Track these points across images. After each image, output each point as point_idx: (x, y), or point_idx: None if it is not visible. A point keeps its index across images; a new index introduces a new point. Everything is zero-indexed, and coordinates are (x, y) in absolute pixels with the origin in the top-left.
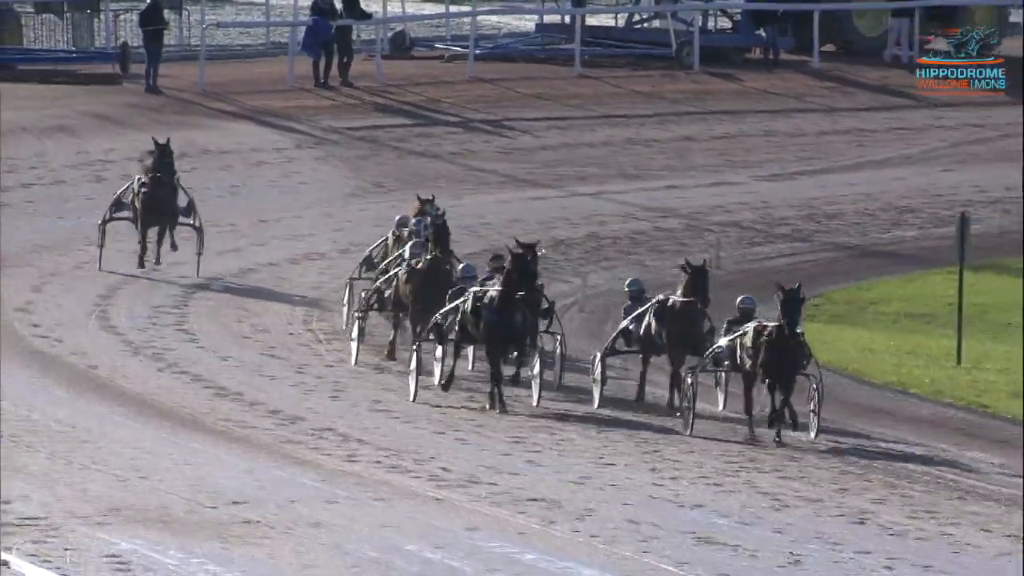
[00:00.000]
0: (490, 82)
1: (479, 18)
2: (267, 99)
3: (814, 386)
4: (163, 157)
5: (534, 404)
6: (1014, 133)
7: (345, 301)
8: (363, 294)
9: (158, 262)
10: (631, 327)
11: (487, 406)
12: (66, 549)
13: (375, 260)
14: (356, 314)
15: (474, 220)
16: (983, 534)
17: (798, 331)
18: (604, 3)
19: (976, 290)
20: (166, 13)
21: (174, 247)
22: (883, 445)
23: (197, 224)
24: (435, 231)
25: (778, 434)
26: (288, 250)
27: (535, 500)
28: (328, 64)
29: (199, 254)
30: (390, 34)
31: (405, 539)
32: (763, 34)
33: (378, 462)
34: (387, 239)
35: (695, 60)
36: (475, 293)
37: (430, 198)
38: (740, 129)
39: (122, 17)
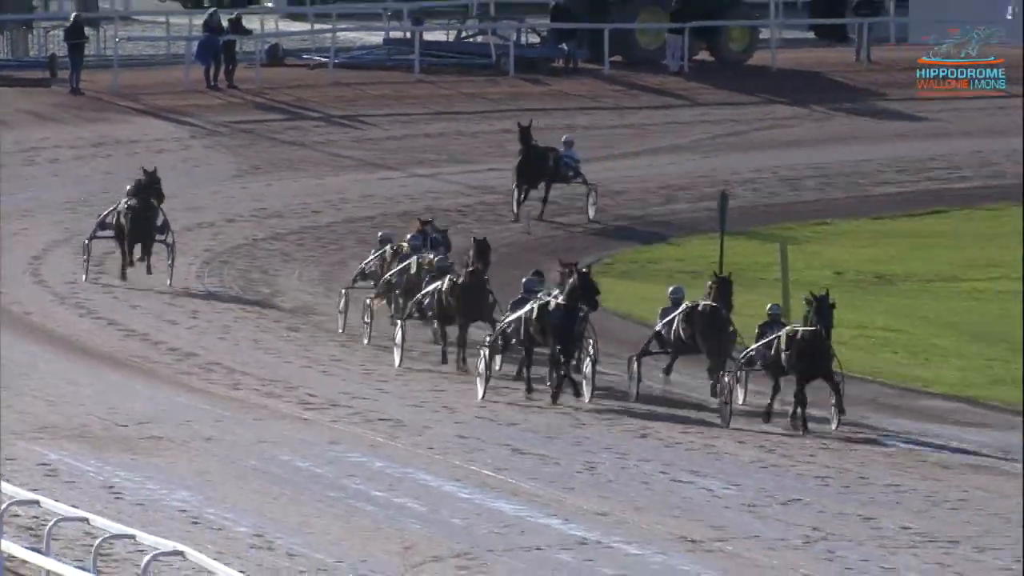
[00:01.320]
0: (347, 85)
1: (338, 34)
2: (167, 99)
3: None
4: (151, 183)
5: (586, 400)
6: (762, 127)
7: (341, 308)
8: (366, 301)
9: (149, 272)
10: (663, 331)
11: (527, 394)
12: (7, 459)
13: (367, 271)
14: (397, 320)
15: (334, 196)
16: (739, 445)
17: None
18: (438, 22)
19: (732, 252)
20: (87, 29)
21: (149, 271)
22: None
23: (170, 241)
24: (477, 248)
25: (838, 418)
26: (186, 220)
27: (383, 419)
28: (216, 71)
29: (171, 265)
30: (266, 47)
31: (279, 451)
32: (565, 47)
33: (257, 390)
34: (384, 253)
35: (511, 68)
36: (539, 303)
37: (430, 219)
38: (547, 123)
39: (51, 32)
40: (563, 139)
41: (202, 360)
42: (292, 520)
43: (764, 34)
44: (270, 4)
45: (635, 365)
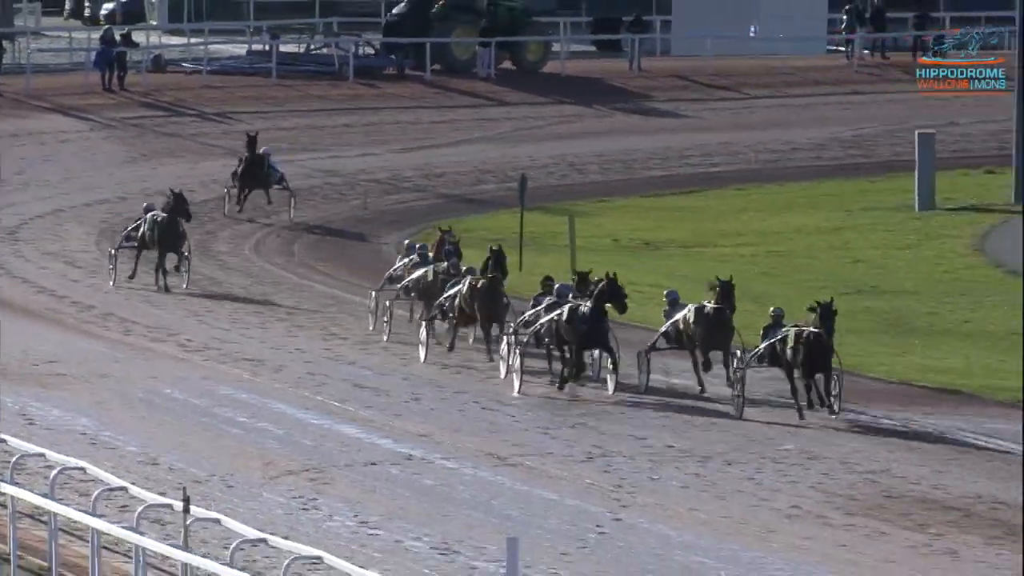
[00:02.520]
0: (217, 88)
1: (209, 46)
2: (71, 99)
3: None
4: (180, 203)
5: (610, 393)
6: (554, 123)
7: (372, 309)
8: (386, 303)
9: (177, 270)
10: (670, 329)
11: (559, 387)
12: None
13: (393, 276)
14: (422, 320)
15: (206, 178)
16: (537, 382)
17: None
18: (291, 36)
19: (530, 223)
20: (4, 42)
21: (166, 287)
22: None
23: (186, 253)
24: (495, 257)
25: (832, 410)
26: (86, 198)
27: (247, 359)
28: (111, 76)
29: (187, 273)
30: (151, 57)
31: (163, 385)
32: (394, 57)
33: (144, 335)
34: (406, 263)
35: (351, 74)
36: (570, 307)
37: (448, 228)
38: (380, 119)
39: None
40: (262, 150)
41: (99, 311)
42: (172, 441)
43: (555, 47)
44: (154, 22)
45: (645, 360)
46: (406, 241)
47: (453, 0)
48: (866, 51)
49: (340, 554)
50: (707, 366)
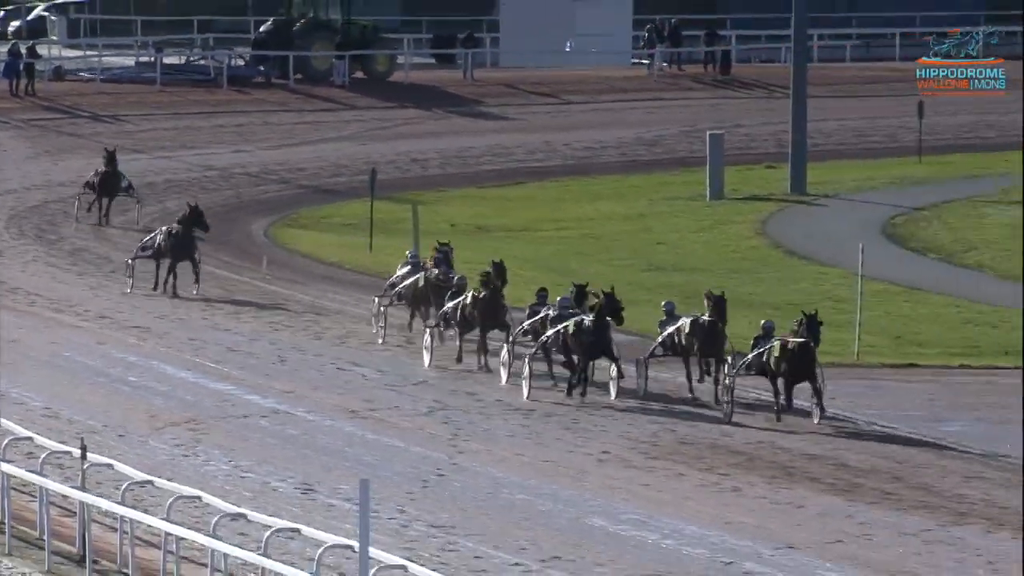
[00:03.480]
0: (109, 94)
1: (103, 58)
2: None
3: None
4: (197, 216)
5: (612, 398)
6: (400, 124)
7: (375, 312)
8: (381, 308)
9: (174, 294)
10: (666, 339)
11: (568, 394)
12: None
13: (395, 283)
14: (428, 326)
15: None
16: (388, 346)
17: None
18: (173, 49)
19: (379, 210)
20: None
21: (174, 292)
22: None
23: (198, 259)
24: (497, 270)
25: (819, 415)
26: None
27: (136, 327)
28: (18, 84)
29: (197, 282)
30: (53, 67)
31: (63, 349)
32: (262, 68)
33: (47, 307)
34: (406, 271)
35: (225, 82)
36: (576, 320)
37: (447, 242)
38: (250, 121)
39: None
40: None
41: (8, 286)
42: (72, 398)
43: (400, 60)
44: (55, 37)
45: (644, 366)
46: (408, 252)
47: (312, 19)
48: (664, 64)
49: (216, 493)
50: (706, 373)
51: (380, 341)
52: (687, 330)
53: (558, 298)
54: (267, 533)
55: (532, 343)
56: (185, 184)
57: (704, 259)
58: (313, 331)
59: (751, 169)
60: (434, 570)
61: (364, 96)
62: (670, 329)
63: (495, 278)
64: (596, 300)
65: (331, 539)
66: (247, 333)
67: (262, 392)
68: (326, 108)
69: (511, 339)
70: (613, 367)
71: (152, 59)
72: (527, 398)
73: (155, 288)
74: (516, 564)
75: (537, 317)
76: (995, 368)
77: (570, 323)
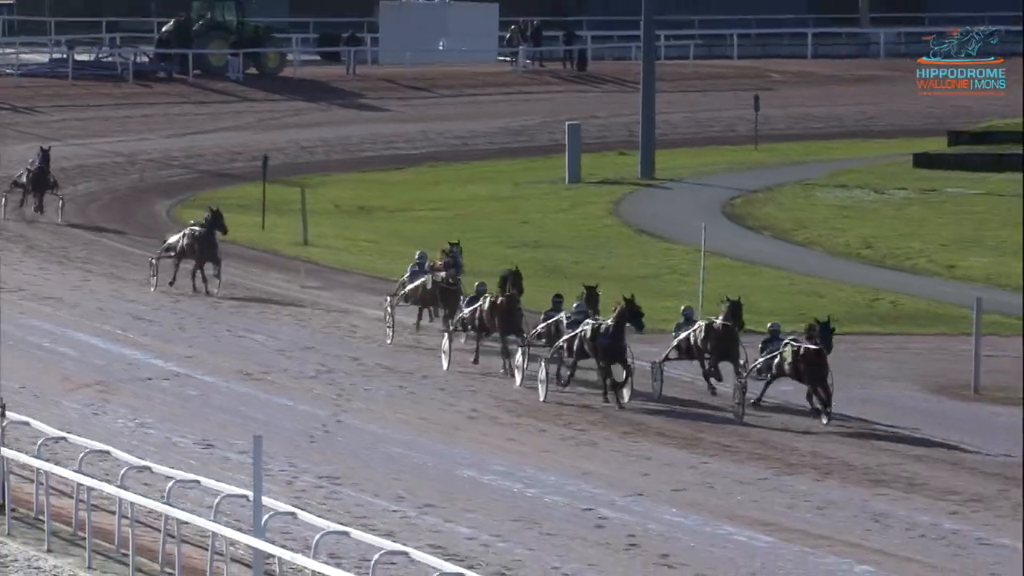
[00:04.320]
0: (26, 88)
1: (20, 55)
2: None
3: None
4: (216, 219)
5: (625, 400)
6: (289, 115)
7: (388, 310)
8: (388, 308)
9: (207, 284)
10: (681, 343)
11: (605, 400)
12: None
13: (405, 283)
14: (446, 331)
15: (20, 158)
16: (281, 315)
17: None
18: (84, 47)
19: (271, 193)
20: None
21: (207, 290)
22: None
23: (220, 259)
24: (512, 277)
25: (828, 416)
26: None
27: (51, 298)
28: None
29: (218, 278)
30: None
31: None
32: (164, 64)
33: None
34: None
35: (130, 77)
36: (594, 325)
37: (456, 242)
38: (153, 112)
39: None
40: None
41: None
42: None
43: (290, 57)
44: None
45: (659, 370)
46: (418, 253)
47: (210, 20)
48: (527, 61)
49: (123, 448)
50: (718, 375)
51: (389, 341)
52: (702, 334)
53: (574, 304)
54: (169, 484)
55: (545, 347)
56: (95, 169)
57: (564, 236)
58: (210, 301)
59: (605, 156)
60: (320, 516)
61: (257, 90)
62: (683, 333)
63: (512, 286)
64: (617, 305)
65: (227, 489)
66: (150, 303)
67: (164, 357)
68: (222, 101)
69: (526, 343)
70: (623, 371)
71: (65, 56)
72: (543, 400)
73: (171, 284)
74: (394, 511)
75: (551, 321)
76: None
77: (588, 327)
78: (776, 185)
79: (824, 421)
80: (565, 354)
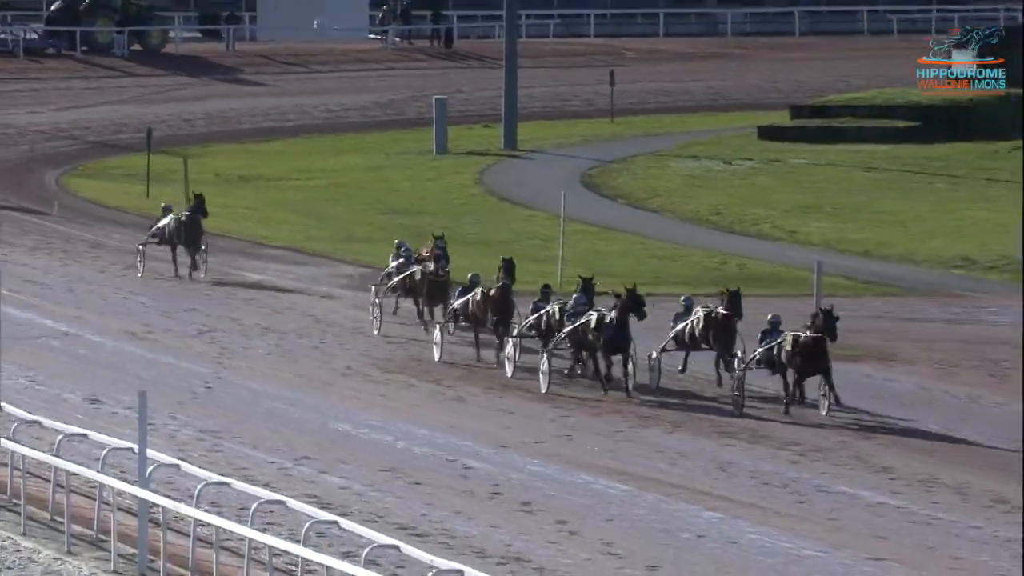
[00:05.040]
0: None
1: None
2: None
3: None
4: (199, 204)
5: (627, 393)
6: (172, 90)
7: (373, 302)
8: (375, 299)
9: (195, 270)
10: (679, 333)
11: (603, 392)
12: None
13: (391, 273)
14: (438, 323)
15: None
16: (161, 278)
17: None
18: None
19: (155, 163)
20: None
21: (195, 267)
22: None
23: (204, 247)
24: (505, 265)
25: (836, 403)
26: None
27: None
28: None
29: (205, 263)
30: None
31: None
32: (53, 41)
33: None
34: (399, 263)
35: (21, 53)
36: (597, 315)
37: (441, 235)
38: (43, 86)
39: None
40: None
41: None
42: None
43: (172, 34)
44: None
45: (657, 360)
46: (396, 241)
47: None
48: (397, 38)
49: (15, 404)
50: (727, 365)
51: (376, 332)
52: (701, 323)
53: (574, 295)
54: (59, 437)
55: (536, 339)
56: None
57: (431, 204)
58: (98, 265)
59: (471, 128)
60: (202, 468)
61: (141, 65)
62: (680, 325)
63: (505, 275)
64: (617, 296)
65: (114, 442)
66: (41, 267)
67: (55, 317)
68: (109, 76)
69: (517, 334)
70: (629, 363)
71: None
72: (545, 391)
73: (176, 272)
74: (272, 463)
75: (543, 312)
76: (673, 295)
77: (592, 318)
78: (630, 156)
79: (823, 412)
80: (569, 345)
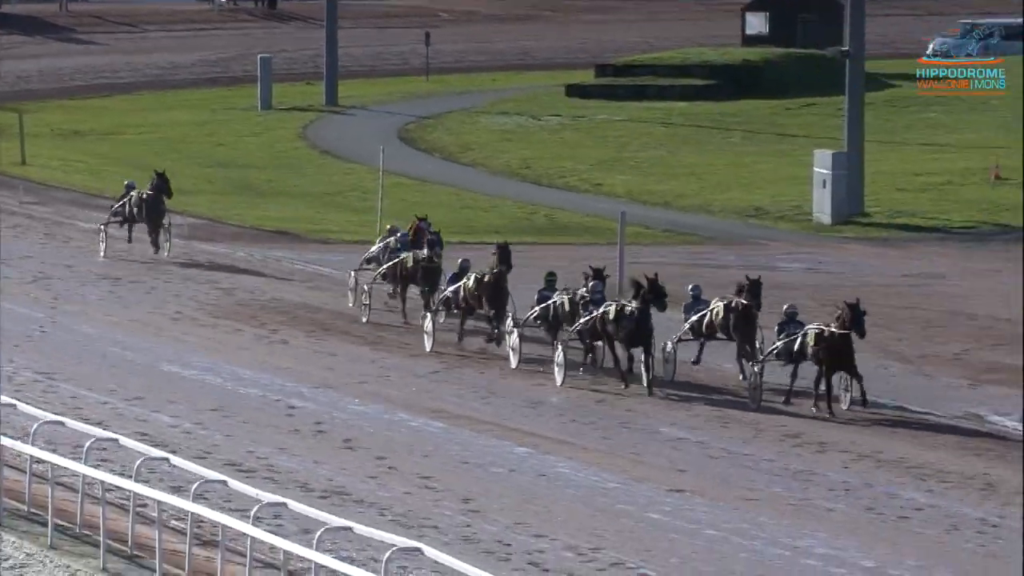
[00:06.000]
0: None
1: None
2: None
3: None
4: (162, 183)
5: (645, 384)
6: (9, 48)
7: (352, 287)
8: (365, 286)
9: (157, 249)
10: (695, 323)
11: (623, 385)
12: None
13: (370, 258)
14: (430, 312)
15: None
16: (38, 224)
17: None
18: None
19: None
20: None
21: (157, 247)
22: None
23: (167, 225)
24: (501, 252)
25: (862, 399)
26: None
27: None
28: None
29: (168, 242)
30: None
31: None
32: None
33: None
34: (387, 245)
35: None
36: (616, 306)
37: (424, 216)
38: None
39: None
40: None
41: None
42: None
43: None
44: None
45: (673, 351)
46: (388, 225)
47: None
48: (224, 0)
49: None
50: (750, 356)
51: (364, 320)
52: (720, 314)
53: (590, 283)
54: None
55: (541, 328)
56: None
57: (256, 158)
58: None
59: (294, 86)
60: (39, 408)
61: None
62: (694, 317)
63: (501, 261)
64: (639, 286)
65: None
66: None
67: None
68: None
69: (522, 323)
70: (644, 354)
71: None
72: (560, 385)
73: (129, 241)
74: (106, 403)
75: (550, 302)
76: (486, 243)
77: (611, 309)
78: (445, 112)
79: (844, 407)
80: (587, 336)
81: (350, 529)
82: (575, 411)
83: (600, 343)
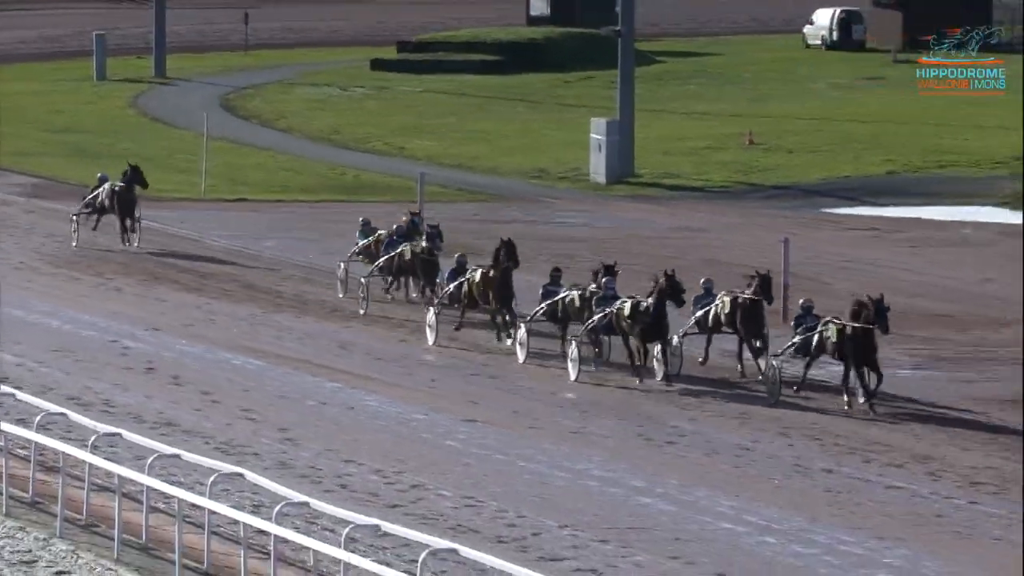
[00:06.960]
0: None
1: None
2: None
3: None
4: (135, 174)
5: (658, 380)
6: None
7: (341, 277)
8: (362, 279)
9: (127, 242)
10: (701, 318)
11: (639, 380)
12: None
13: (359, 251)
14: (433, 308)
15: None
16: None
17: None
18: None
19: None
20: None
21: (128, 242)
22: None
23: (138, 216)
24: (507, 247)
25: (873, 397)
26: None
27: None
28: None
29: (136, 233)
30: None
31: None
32: None
33: None
34: (378, 237)
35: None
36: (632, 302)
37: (418, 211)
38: None
39: None
40: None
41: None
42: None
43: None
44: None
45: (679, 344)
46: (360, 218)
47: None
48: None
49: None
50: (757, 350)
51: (362, 312)
52: (727, 308)
53: (602, 279)
54: None
55: (548, 323)
56: None
57: (92, 124)
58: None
59: (126, 60)
60: None
61: None
62: (700, 313)
63: (506, 257)
64: (655, 283)
65: None
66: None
67: None
68: None
69: (529, 319)
70: (658, 350)
71: None
72: (574, 380)
73: (95, 229)
74: None
75: (558, 298)
76: (300, 201)
77: (626, 305)
78: (262, 84)
79: (861, 400)
80: (601, 332)
81: (179, 456)
82: (380, 351)
83: (606, 337)
